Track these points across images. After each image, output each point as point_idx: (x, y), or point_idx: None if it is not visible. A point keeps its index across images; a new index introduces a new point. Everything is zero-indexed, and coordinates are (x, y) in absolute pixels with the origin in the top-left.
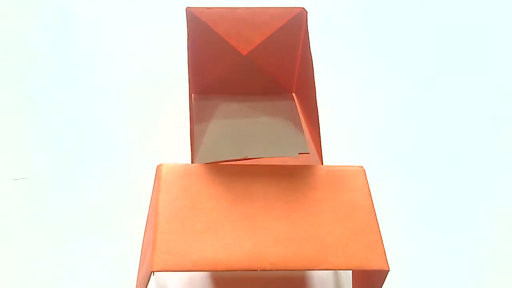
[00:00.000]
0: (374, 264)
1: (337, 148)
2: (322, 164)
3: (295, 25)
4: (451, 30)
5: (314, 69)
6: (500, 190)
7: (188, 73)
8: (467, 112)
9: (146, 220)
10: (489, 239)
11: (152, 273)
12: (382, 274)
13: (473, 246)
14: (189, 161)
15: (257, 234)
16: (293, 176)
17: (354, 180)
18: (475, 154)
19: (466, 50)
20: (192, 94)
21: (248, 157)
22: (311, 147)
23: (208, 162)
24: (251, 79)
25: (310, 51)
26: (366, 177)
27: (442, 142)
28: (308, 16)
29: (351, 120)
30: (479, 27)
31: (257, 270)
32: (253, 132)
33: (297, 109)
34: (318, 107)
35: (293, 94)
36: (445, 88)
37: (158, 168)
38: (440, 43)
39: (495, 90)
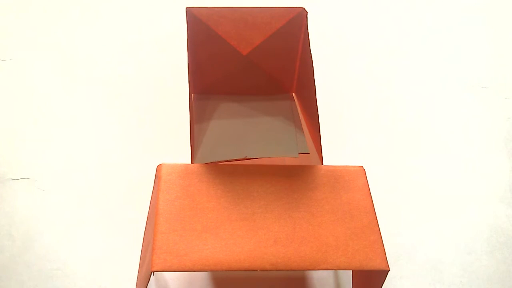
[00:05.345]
0: (374, 264)
1: (337, 148)
2: (322, 164)
3: (295, 25)
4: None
5: (314, 69)
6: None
7: (188, 73)
8: (466, 112)
9: (146, 220)
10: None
11: (152, 273)
12: (382, 274)
13: (475, 242)
14: (189, 161)
15: (257, 234)
16: (293, 176)
17: (354, 180)
18: (478, 153)
19: None
20: (192, 94)
21: (248, 157)
22: (311, 147)
23: (208, 162)
24: (251, 79)
25: (310, 51)
26: (366, 177)
27: (442, 141)
28: (308, 16)
29: (351, 120)
30: None
31: (257, 270)
32: (253, 132)
33: (297, 109)
34: (318, 107)
35: (293, 94)
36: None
37: (158, 168)
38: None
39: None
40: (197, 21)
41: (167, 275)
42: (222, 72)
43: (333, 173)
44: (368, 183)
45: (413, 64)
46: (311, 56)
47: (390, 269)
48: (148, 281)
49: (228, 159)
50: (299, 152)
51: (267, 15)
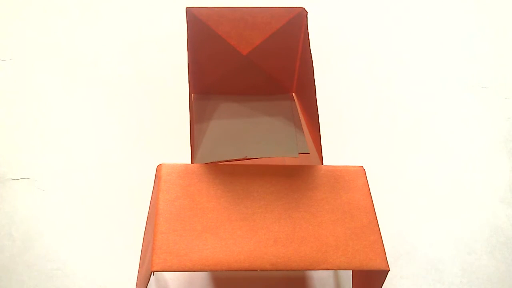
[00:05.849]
0: (374, 264)
1: (337, 148)
2: (322, 164)
3: (295, 25)
4: None
5: (314, 69)
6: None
7: (188, 73)
8: (465, 113)
9: (146, 220)
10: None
11: (152, 273)
12: (382, 274)
13: (475, 242)
14: (189, 161)
15: (257, 234)
16: (293, 176)
17: (354, 180)
18: (478, 153)
19: None
20: (192, 94)
21: (248, 157)
22: (311, 147)
23: (208, 162)
24: (251, 79)
25: (310, 51)
26: (366, 177)
27: (442, 141)
28: (308, 16)
29: (351, 120)
30: None
31: (257, 270)
32: (253, 132)
33: (297, 109)
34: (318, 107)
35: (293, 94)
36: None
37: (158, 168)
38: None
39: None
40: (197, 21)
41: (167, 275)
42: (222, 72)
43: (333, 173)
44: (368, 183)
45: (413, 64)
46: (311, 56)
47: (390, 269)
48: (148, 281)
49: (228, 159)
50: (299, 152)
51: (267, 15)
